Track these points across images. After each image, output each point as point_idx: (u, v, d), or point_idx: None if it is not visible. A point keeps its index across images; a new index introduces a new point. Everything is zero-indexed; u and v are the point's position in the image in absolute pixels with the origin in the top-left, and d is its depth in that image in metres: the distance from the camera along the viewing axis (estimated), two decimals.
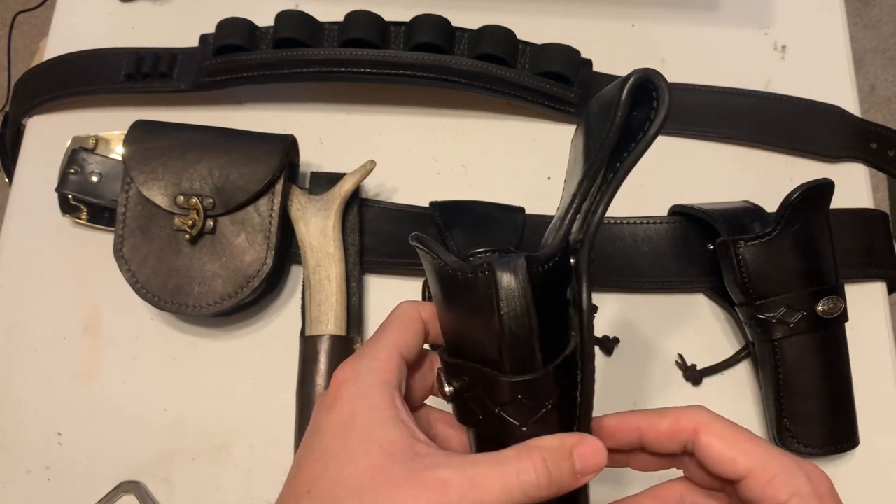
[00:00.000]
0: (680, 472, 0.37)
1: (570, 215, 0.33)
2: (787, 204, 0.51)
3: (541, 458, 0.31)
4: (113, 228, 0.55)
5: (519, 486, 0.30)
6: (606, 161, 0.33)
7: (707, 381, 0.56)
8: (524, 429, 0.32)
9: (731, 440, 0.33)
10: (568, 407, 0.32)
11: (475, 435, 0.36)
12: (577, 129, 0.37)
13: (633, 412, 0.36)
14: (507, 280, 0.30)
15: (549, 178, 0.61)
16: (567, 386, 0.32)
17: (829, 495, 0.33)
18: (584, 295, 0.32)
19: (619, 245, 0.58)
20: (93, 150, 0.59)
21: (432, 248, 0.33)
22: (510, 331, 0.30)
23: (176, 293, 0.53)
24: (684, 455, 0.35)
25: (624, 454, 0.37)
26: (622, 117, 0.32)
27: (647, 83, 0.31)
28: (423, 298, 0.37)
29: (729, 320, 0.57)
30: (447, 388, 0.34)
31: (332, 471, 0.31)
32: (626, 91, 0.31)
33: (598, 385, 0.55)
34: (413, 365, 0.36)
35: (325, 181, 0.57)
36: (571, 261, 0.33)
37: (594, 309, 0.52)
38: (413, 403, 0.37)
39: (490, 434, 0.34)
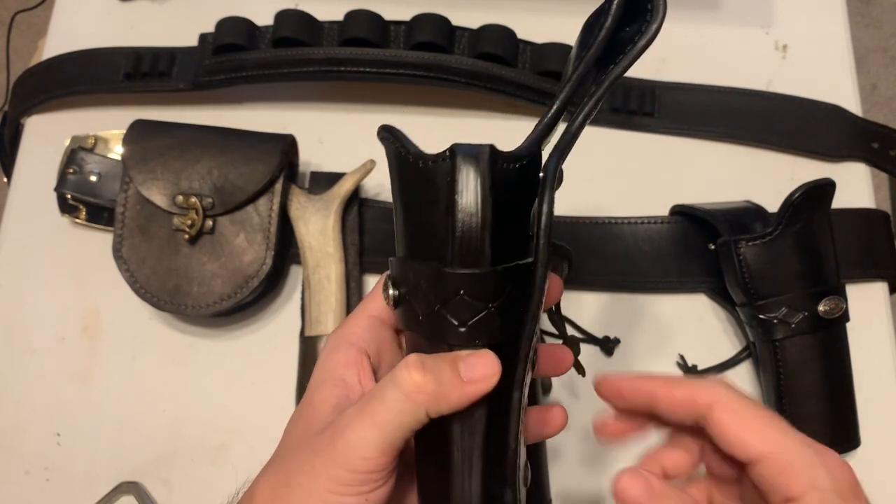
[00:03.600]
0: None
1: (545, 121, 0.32)
2: (789, 204, 0.50)
3: (418, 362, 0.30)
4: (112, 228, 0.55)
5: (406, 397, 0.29)
6: (589, 68, 0.32)
7: None
8: (462, 329, 0.31)
9: (747, 420, 0.31)
10: (512, 319, 0.31)
11: (411, 338, 0.34)
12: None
13: (650, 376, 0.35)
14: (467, 166, 0.30)
15: None
16: (514, 296, 0.31)
17: (851, 491, 0.30)
18: (546, 204, 0.31)
19: (619, 245, 0.58)
20: (91, 150, 0.59)
21: (398, 137, 0.32)
22: (462, 220, 0.30)
23: (175, 293, 0.53)
24: (697, 434, 0.34)
25: (633, 421, 0.36)
26: (612, 24, 0.32)
27: None
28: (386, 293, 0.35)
29: (730, 321, 0.57)
30: (391, 292, 0.33)
31: (283, 441, 0.34)
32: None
33: None
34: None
35: (324, 181, 0.57)
36: (541, 174, 0.31)
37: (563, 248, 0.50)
38: None
39: (429, 335, 0.32)
